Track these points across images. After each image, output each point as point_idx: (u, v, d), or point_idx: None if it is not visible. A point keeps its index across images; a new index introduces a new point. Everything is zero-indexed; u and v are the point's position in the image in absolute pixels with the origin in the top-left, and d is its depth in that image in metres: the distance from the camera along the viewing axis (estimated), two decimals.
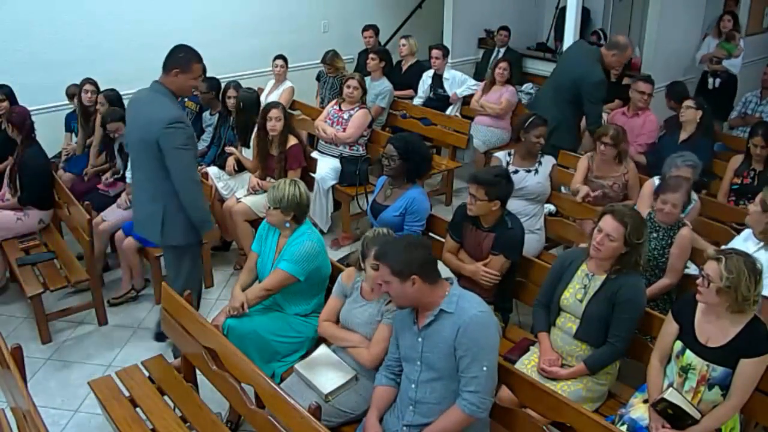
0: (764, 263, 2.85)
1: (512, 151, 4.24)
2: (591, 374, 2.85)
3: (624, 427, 2.62)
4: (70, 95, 5.34)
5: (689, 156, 3.80)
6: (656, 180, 3.94)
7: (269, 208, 3.20)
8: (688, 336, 2.58)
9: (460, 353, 2.37)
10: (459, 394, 2.41)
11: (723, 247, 3.18)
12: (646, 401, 2.68)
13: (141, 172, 3.37)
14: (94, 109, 5.12)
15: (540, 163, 4.15)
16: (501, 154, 4.26)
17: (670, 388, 2.57)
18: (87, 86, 5.11)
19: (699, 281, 2.51)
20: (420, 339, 2.48)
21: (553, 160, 4.24)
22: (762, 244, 3.04)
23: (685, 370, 2.58)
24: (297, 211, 3.21)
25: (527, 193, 4.06)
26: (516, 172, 4.02)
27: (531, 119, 4.10)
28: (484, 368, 2.37)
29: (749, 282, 2.42)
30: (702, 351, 2.53)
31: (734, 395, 2.49)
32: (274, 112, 4.47)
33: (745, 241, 3.21)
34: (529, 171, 4.11)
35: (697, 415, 2.51)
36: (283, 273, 3.12)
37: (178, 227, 3.36)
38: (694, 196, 3.86)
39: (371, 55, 6.06)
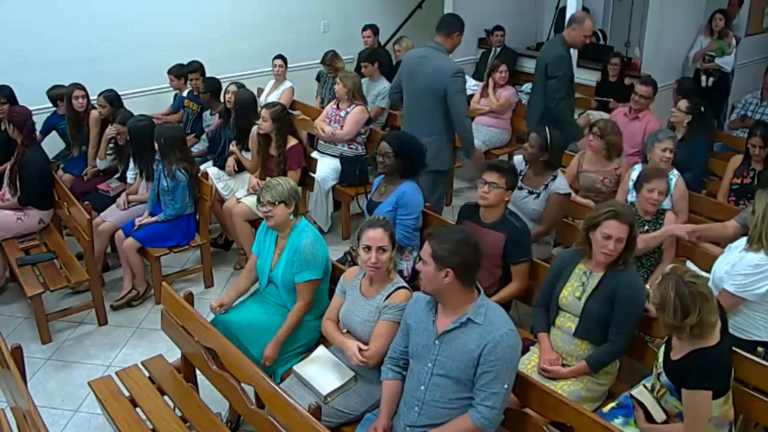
0: (745, 265, 2.91)
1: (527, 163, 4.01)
2: (592, 372, 2.84)
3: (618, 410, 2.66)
4: (55, 98, 5.24)
5: (663, 130, 4.08)
6: (637, 167, 4.00)
7: (274, 205, 3.13)
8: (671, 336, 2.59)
9: (484, 369, 2.34)
10: (473, 405, 2.38)
11: (731, 245, 3.21)
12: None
13: (419, 113, 4.22)
14: (85, 114, 5.08)
15: (545, 187, 3.83)
16: (518, 159, 4.07)
17: (641, 386, 2.62)
18: (77, 92, 4.99)
19: None
20: (437, 342, 2.44)
21: (560, 188, 3.83)
22: (748, 245, 3.04)
23: (656, 360, 2.61)
24: (297, 201, 3.22)
25: (524, 214, 3.79)
26: (521, 188, 3.85)
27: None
28: (505, 386, 2.36)
29: (674, 312, 2.31)
30: (665, 354, 2.54)
31: (685, 424, 2.44)
32: (263, 112, 4.49)
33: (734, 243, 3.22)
34: (531, 193, 3.87)
35: (659, 417, 2.52)
36: (305, 284, 3.12)
37: (445, 155, 4.26)
38: (675, 171, 3.97)
39: (363, 63, 6.01)
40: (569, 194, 3.93)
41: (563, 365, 2.91)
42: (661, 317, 2.39)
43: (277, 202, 3.14)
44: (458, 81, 4.09)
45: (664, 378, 2.50)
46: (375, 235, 2.75)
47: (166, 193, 4.30)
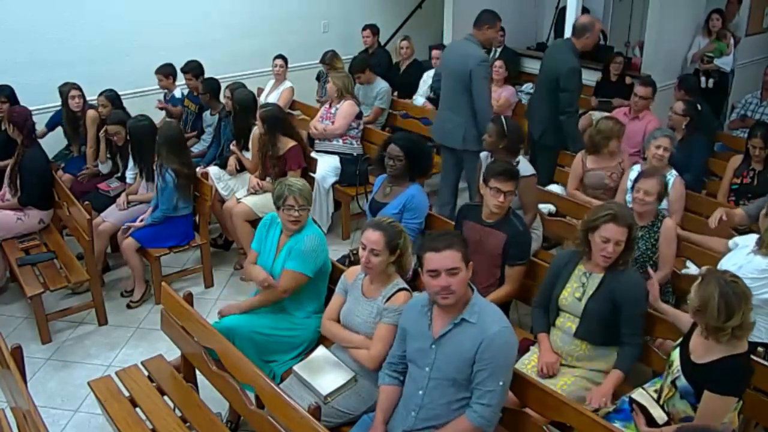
0: (752, 269, 2.89)
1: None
2: (626, 376, 2.82)
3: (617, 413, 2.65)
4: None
5: (662, 129, 4.15)
6: (636, 167, 4.00)
7: (305, 210, 3.17)
8: (687, 336, 2.58)
9: (480, 366, 2.34)
10: (470, 405, 2.38)
11: (730, 241, 3.20)
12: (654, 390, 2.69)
13: (451, 97, 4.58)
14: (82, 114, 5.10)
15: None
16: (483, 155, 4.10)
17: (639, 389, 2.61)
18: (73, 92, 5.02)
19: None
20: (433, 346, 2.44)
21: (525, 171, 3.80)
22: (757, 248, 3.03)
23: (669, 364, 2.59)
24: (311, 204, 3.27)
25: None
26: None
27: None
28: (501, 383, 2.35)
29: (719, 313, 2.27)
30: (683, 357, 2.51)
31: (697, 423, 2.42)
32: (258, 113, 4.49)
33: (743, 242, 3.20)
34: None
35: (660, 418, 2.50)
36: (292, 272, 3.13)
37: (473, 136, 4.44)
38: (673, 171, 3.99)
39: (356, 76, 5.83)
40: (535, 174, 3.94)
41: (563, 365, 2.91)
42: (701, 319, 2.36)
43: (308, 207, 3.18)
44: (483, 68, 4.39)
45: (681, 382, 2.47)
46: (371, 237, 2.76)
47: (160, 192, 4.31)
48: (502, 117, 3.97)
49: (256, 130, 4.67)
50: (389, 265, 2.82)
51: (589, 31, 4.65)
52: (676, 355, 2.56)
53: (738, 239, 3.25)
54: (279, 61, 6.07)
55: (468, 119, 4.46)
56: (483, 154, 4.11)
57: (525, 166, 3.88)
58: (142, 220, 4.36)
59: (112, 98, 5.04)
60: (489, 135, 3.89)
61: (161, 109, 5.86)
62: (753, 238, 3.11)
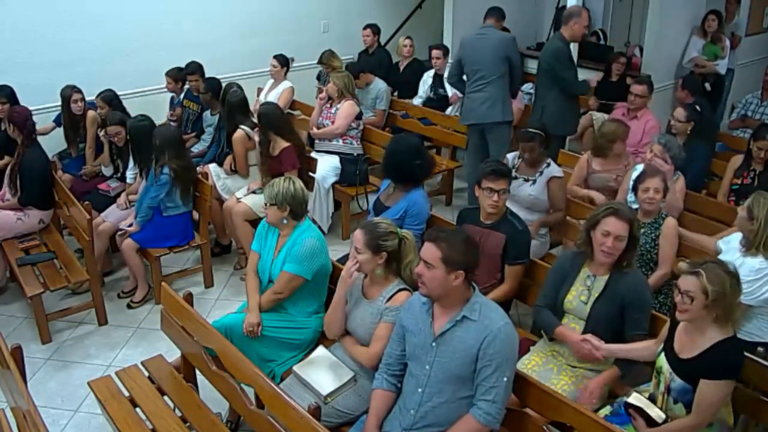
0: (747, 270, 2.89)
1: (521, 155, 4.13)
2: (623, 374, 2.82)
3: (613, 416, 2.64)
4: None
5: (663, 135, 4.16)
6: (638, 167, 4.01)
7: (266, 206, 3.22)
8: (669, 339, 2.57)
9: (484, 362, 2.34)
10: (474, 404, 2.38)
11: (720, 242, 3.20)
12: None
13: (488, 77, 4.91)
14: (82, 117, 5.11)
15: (541, 173, 4.01)
16: (511, 155, 4.22)
17: (633, 392, 2.60)
18: (75, 95, 5.04)
19: (678, 299, 2.42)
20: (434, 344, 2.44)
21: (556, 172, 4.01)
22: (744, 250, 3.03)
23: (657, 372, 2.58)
24: (293, 206, 3.21)
25: (519, 201, 3.98)
26: (515, 178, 3.95)
27: (520, 134, 4.12)
28: (505, 379, 2.36)
29: (734, 289, 2.34)
30: (671, 358, 2.51)
31: (694, 413, 2.43)
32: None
33: (729, 245, 3.20)
34: (527, 180, 4.02)
35: (659, 417, 2.49)
36: (289, 275, 3.12)
37: (508, 108, 4.99)
38: (677, 172, 4.01)
39: (355, 82, 5.75)
40: (563, 176, 4.07)
41: (568, 366, 2.90)
42: (720, 307, 2.34)
43: (269, 204, 3.18)
44: (516, 48, 5.07)
45: (675, 383, 2.46)
46: (356, 235, 2.79)
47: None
48: (541, 127, 4.08)
49: (238, 132, 4.69)
50: (378, 267, 2.80)
51: (575, 16, 4.79)
52: (662, 360, 2.55)
53: (721, 243, 3.26)
54: (273, 61, 6.03)
55: (503, 94, 4.91)
56: (510, 155, 4.20)
57: (556, 168, 4.04)
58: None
59: (109, 99, 5.04)
60: (532, 147, 3.96)
61: (173, 120, 5.84)
62: (736, 237, 3.14)
